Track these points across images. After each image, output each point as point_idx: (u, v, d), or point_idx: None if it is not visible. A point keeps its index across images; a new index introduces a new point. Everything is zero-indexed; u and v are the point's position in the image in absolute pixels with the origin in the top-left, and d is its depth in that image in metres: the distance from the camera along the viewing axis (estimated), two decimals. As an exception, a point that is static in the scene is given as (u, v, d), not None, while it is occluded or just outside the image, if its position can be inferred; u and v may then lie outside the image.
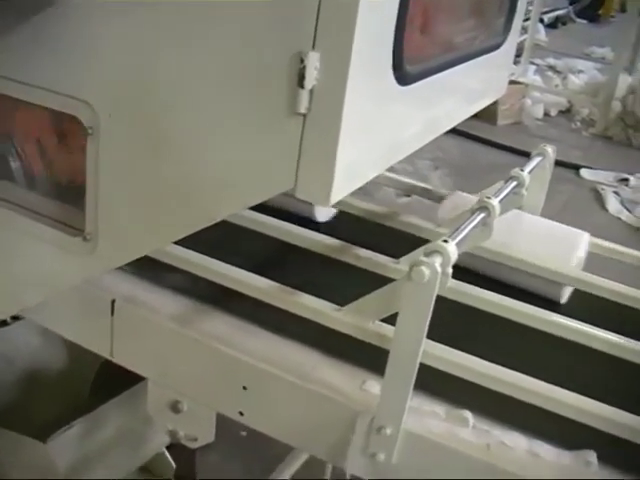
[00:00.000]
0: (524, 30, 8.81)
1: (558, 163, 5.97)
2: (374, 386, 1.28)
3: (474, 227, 1.29)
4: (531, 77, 7.78)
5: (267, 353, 1.36)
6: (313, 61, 0.98)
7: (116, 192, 1.27)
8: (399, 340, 1.14)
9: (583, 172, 5.77)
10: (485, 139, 6.23)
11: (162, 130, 1.17)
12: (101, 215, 1.29)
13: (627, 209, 5.20)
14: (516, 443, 1.21)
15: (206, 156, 1.13)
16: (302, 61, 0.98)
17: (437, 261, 1.10)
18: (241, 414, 1.39)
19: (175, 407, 1.48)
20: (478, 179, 5.65)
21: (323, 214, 1.82)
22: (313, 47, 0.98)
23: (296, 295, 1.34)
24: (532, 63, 8.54)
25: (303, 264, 1.59)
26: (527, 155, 6.38)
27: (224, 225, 1.52)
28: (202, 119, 1.12)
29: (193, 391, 1.45)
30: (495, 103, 6.65)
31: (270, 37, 1.01)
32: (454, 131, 6.29)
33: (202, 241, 1.38)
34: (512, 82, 7.01)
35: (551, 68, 8.79)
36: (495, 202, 1.34)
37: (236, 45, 1.05)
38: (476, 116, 7.13)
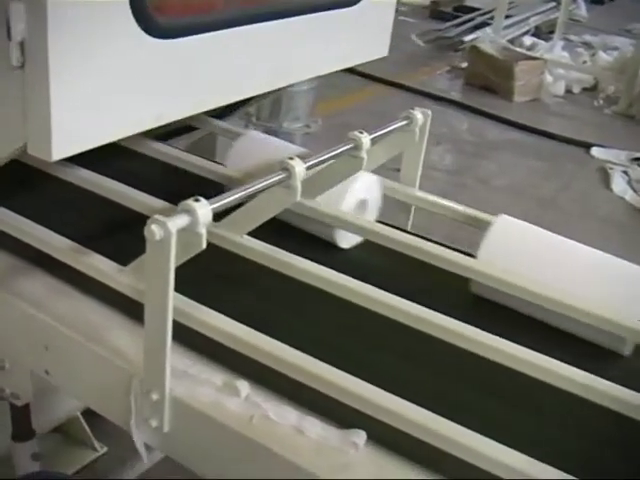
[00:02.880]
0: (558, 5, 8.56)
1: (569, 141, 5.74)
2: (157, 350, 1.23)
3: (268, 188, 1.23)
4: (558, 53, 7.52)
5: (70, 314, 1.33)
6: (17, 12, 0.95)
7: None
8: (148, 301, 1.10)
9: (594, 151, 5.56)
10: (495, 115, 6.05)
11: None
12: None
13: (633, 189, 4.99)
14: (284, 417, 1.15)
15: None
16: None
17: (179, 221, 1.04)
18: (47, 373, 1.38)
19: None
20: (482, 157, 5.51)
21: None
22: (19, -2, 0.95)
23: (85, 254, 1.30)
24: (566, 39, 8.28)
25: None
26: (540, 133, 6.14)
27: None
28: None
29: (8, 350, 1.43)
30: (511, 79, 6.45)
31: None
32: (464, 107, 6.18)
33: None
34: (530, 58, 6.79)
35: (586, 44, 8.50)
36: (298, 165, 1.26)
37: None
38: (493, 92, 6.94)
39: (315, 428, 1.13)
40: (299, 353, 1.15)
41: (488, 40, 7.18)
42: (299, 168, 1.26)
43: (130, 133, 1.16)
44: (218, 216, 1.26)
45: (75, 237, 1.38)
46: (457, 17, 8.85)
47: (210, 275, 1.41)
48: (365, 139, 1.43)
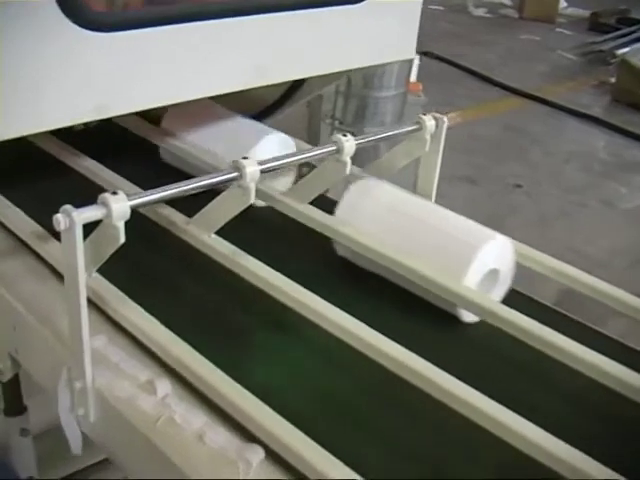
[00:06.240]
0: None
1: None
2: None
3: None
4: None
5: (36, 295, 1.36)
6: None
7: None
8: (66, 292, 1.11)
9: None
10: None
11: None
12: None
13: None
14: (190, 422, 1.10)
15: None
16: None
17: (87, 214, 1.05)
18: (16, 352, 1.42)
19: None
20: (612, 178, 5.16)
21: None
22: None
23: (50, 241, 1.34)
24: None
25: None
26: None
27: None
28: None
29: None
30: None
31: None
32: (606, 124, 5.82)
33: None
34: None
35: None
36: (250, 166, 1.23)
37: None
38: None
39: (218, 437, 1.09)
40: (212, 367, 1.12)
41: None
42: (250, 169, 1.23)
43: (69, 123, 1.18)
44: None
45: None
46: (618, 29, 8.39)
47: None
48: (347, 143, 1.37)
